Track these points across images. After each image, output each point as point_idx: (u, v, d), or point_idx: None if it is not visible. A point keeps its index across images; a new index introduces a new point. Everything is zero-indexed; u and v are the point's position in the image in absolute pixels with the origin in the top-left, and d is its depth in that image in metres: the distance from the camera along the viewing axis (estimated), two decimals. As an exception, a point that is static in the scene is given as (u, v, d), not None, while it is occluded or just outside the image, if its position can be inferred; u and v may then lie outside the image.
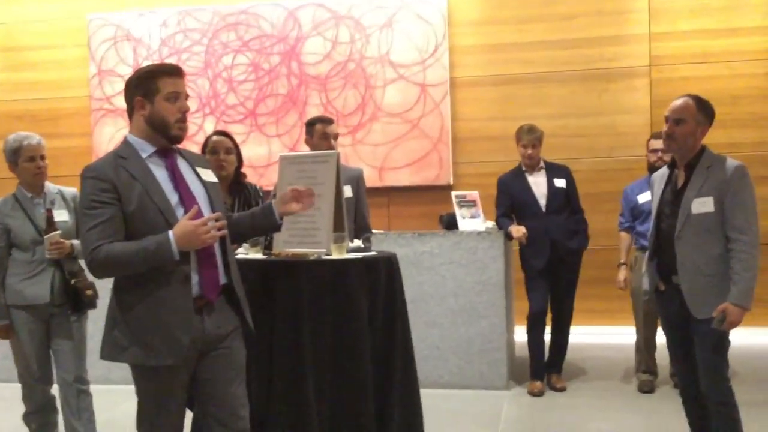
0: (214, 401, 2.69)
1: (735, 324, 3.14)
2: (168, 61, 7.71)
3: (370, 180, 6.52)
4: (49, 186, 3.87)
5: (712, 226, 3.21)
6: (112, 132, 7.84)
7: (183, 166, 2.72)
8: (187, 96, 2.67)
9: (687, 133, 3.29)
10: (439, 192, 7.19)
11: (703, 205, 3.21)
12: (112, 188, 2.52)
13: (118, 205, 2.53)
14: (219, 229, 2.53)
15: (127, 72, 7.80)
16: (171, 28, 7.76)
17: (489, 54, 7.32)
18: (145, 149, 2.64)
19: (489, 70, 7.32)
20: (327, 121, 4.70)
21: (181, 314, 2.54)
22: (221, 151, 4.03)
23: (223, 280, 2.70)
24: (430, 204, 7.13)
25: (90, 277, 3.84)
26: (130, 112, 2.68)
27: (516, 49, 7.26)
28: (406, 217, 7.36)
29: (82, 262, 3.88)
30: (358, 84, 7.45)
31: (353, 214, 4.55)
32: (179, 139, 2.67)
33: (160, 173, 2.62)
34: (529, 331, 5.24)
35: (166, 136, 2.63)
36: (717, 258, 3.21)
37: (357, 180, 4.70)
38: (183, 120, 2.63)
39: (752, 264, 3.15)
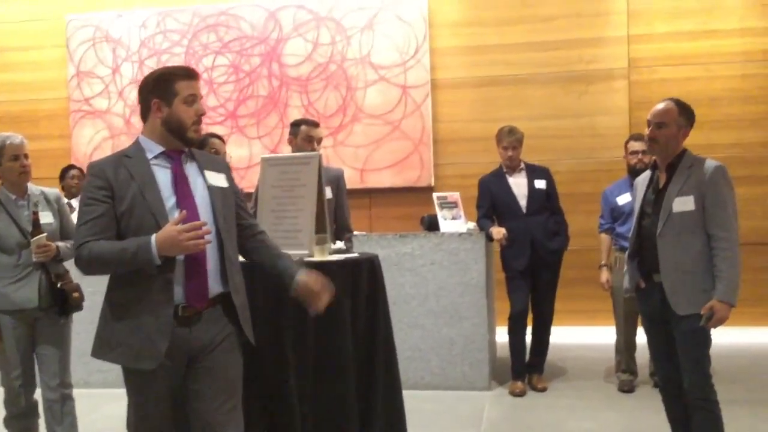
0: (196, 415, 2.63)
1: (722, 321, 3.20)
2: (147, 62, 7.69)
3: (352, 181, 6.52)
4: (32, 187, 3.81)
5: (693, 224, 3.28)
6: (91, 134, 7.79)
7: (191, 168, 2.66)
8: (201, 98, 2.66)
9: (669, 137, 3.36)
10: (420, 193, 7.22)
11: (684, 204, 3.28)
12: (107, 186, 2.53)
13: (110, 203, 2.53)
14: (204, 237, 2.45)
15: (106, 73, 7.78)
16: (150, 29, 7.72)
17: (470, 56, 7.35)
18: (153, 150, 2.62)
19: (470, 71, 7.35)
20: (312, 123, 4.68)
21: (161, 320, 2.50)
22: (222, 154, 4.12)
23: (219, 288, 2.62)
24: (412, 205, 7.15)
25: (75, 278, 3.84)
26: (145, 113, 2.66)
27: (496, 51, 7.30)
28: (387, 218, 7.38)
29: (67, 264, 3.87)
30: (340, 85, 7.45)
31: (333, 215, 4.55)
32: (195, 142, 2.65)
33: (163, 175, 2.59)
34: (511, 332, 5.26)
35: (181, 138, 2.61)
36: (697, 255, 3.27)
37: (337, 180, 4.70)
38: (199, 122, 2.62)
39: (735, 261, 3.22)
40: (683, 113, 3.39)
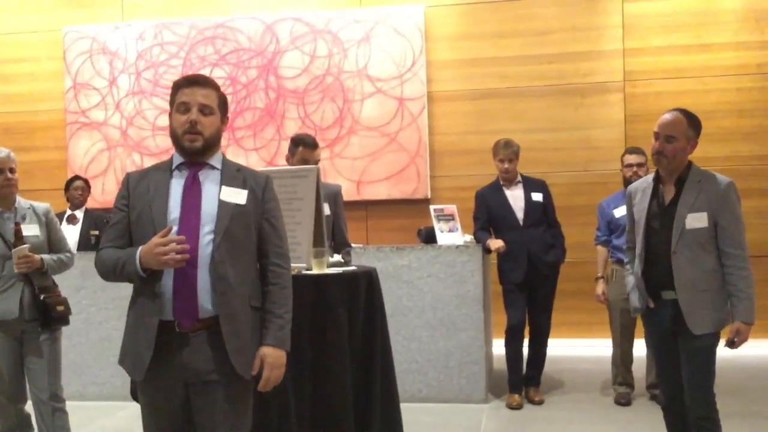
0: None
1: (745, 341, 3.23)
2: (144, 74, 7.70)
3: (348, 193, 6.53)
4: (21, 201, 3.84)
5: (706, 241, 3.24)
6: (87, 145, 7.78)
7: (209, 181, 2.58)
8: (203, 107, 2.54)
9: (678, 150, 3.29)
10: (416, 205, 7.24)
11: (697, 221, 3.23)
12: (126, 195, 2.60)
13: (126, 212, 2.59)
14: (180, 253, 2.39)
15: (103, 85, 7.78)
16: (147, 41, 7.74)
17: (466, 68, 7.38)
18: (175, 161, 2.62)
19: (466, 84, 7.38)
20: (311, 146, 4.59)
21: (148, 333, 2.48)
22: None
23: (213, 311, 2.49)
24: (408, 217, 7.17)
25: (64, 292, 3.84)
26: None
27: (492, 64, 7.33)
28: (383, 230, 7.38)
29: (56, 278, 3.87)
30: (336, 98, 7.47)
31: (331, 231, 4.53)
32: (190, 151, 2.55)
33: (177, 186, 2.57)
34: (508, 345, 5.26)
35: (180, 148, 2.58)
36: (711, 273, 3.24)
37: (335, 197, 4.68)
38: (190, 131, 2.52)
39: (751, 279, 3.22)
40: (692, 125, 3.31)
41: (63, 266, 3.86)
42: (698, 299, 3.23)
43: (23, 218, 3.77)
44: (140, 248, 2.44)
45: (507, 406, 5.15)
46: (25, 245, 3.63)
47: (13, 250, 3.62)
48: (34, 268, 3.66)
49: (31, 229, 3.76)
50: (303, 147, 4.58)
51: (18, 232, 3.65)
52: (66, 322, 3.80)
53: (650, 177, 3.47)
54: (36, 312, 3.68)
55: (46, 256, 3.73)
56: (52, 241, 3.86)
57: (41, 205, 3.91)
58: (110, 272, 2.56)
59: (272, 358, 2.53)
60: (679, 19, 7.09)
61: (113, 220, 2.61)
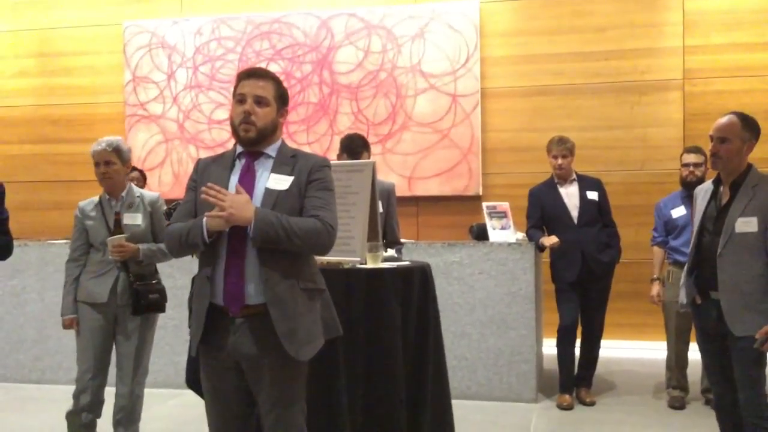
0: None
1: None
2: (202, 68, 7.81)
3: (400, 189, 6.50)
4: (133, 190, 3.95)
5: (755, 246, 3.22)
6: (145, 138, 7.93)
7: (263, 169, 2.66)
8: (259, 98, 2.61)
9: (732, 152, 3.31)
10: (468, 202, 7.21)
11: (747, 225, 3.23)
12: (195, 178, 2.73)
13: (194, 193, 2.69)
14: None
15: (162, 79, 7.91)
16: (205, 36, 7.85)
17: (520, 65, 7.31)
18: (237, 149, 2.72)
19: (520, 81, 7.31)
20: (353, 153, 4.43)
21: (198, 314, 2.62)
22: None
23: (259, 297, 2.56)
24: (459, 214, 7.14)
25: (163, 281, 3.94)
26: None
27: (547, 61, 7.25)
28: (434, 226, 7.37)
29: (160, 266, 3.96)
30: (389, 93, 7.48)
31: (383, 228, 4.50)
32: (244, 140, 2.63)
33: (235, 175, 2.67)
34: (559, 344, 5.21)
35: (237, 138, 2.67)
36: (757, 277, 3.21)
37: (388, 194, 4.65)
38: (245, 122, 2.60)
39: None
40: (747, 127, 3.33)
41: (162, 256, 3.88)
42: (741, 301, 3.22)
43: (129, 207, 3.87)
44: (206, 213, 2.51)
45: (557, 406, 5.10)
46: (122, 234, 3.74)
47: (108, 239, 3.74)
48: (128, 257, 3.76)
49: (133, 218, 3.85)
50: (346, 155, 4.49)
51: (117, 221, 3.77)
52: (160, 309, 3.90)
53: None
54: (128, 298, 3.79)
55: (144, 246, 3.81)
56: (157, 231, 3.94)
57: (150, 195, 3.99)
58: (176, 242, 2.62)
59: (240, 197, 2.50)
60: (741, 17, 6.91)
61: (184, 199, 2.75)
